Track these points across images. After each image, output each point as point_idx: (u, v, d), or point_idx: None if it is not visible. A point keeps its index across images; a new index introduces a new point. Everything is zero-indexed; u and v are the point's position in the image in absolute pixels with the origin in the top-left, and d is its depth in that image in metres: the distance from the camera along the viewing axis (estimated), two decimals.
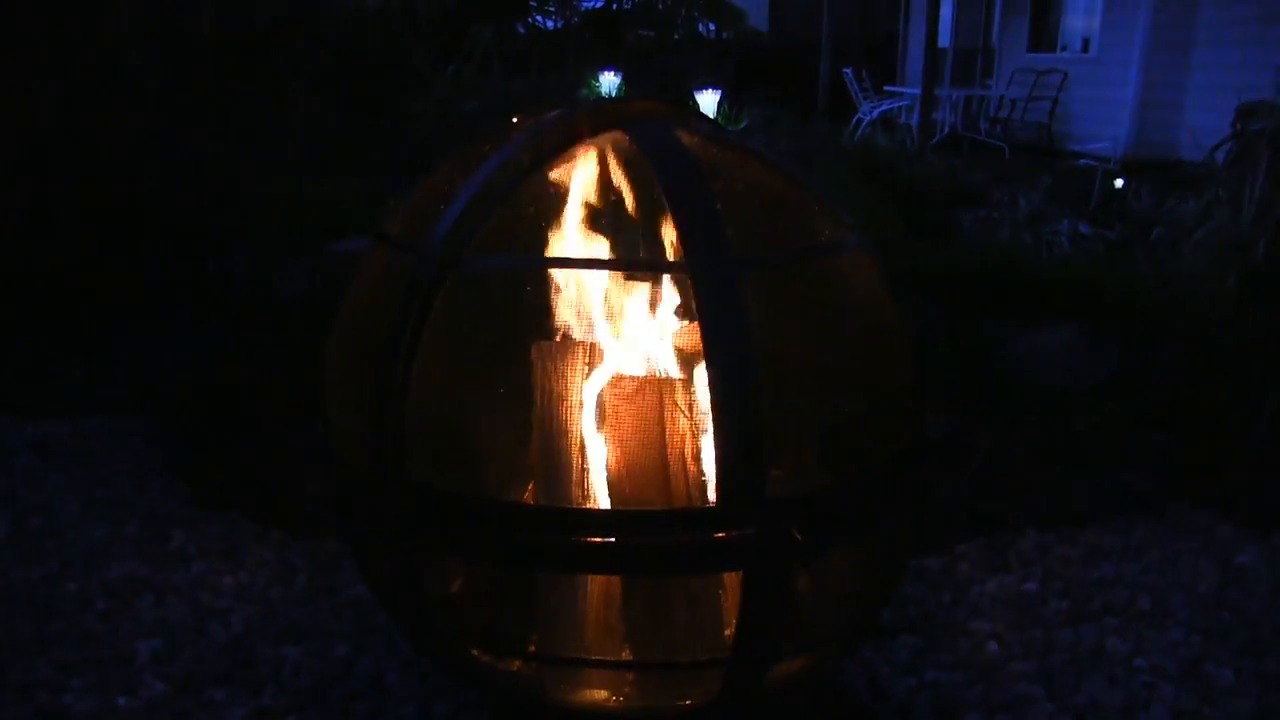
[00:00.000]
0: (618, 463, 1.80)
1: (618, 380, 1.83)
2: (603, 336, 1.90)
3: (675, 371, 1.88)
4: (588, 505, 1.82)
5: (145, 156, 4.63)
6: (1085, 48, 13.89)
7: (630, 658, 1.87)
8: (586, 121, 1.91)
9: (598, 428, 1.83)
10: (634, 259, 1.90)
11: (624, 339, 1.90)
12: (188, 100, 4.91)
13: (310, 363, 2.09)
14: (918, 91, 11.81)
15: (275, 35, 5.83)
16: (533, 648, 1.88)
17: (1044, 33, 14.83)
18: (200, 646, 2.49)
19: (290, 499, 3.03)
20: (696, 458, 1.80)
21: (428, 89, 7.36)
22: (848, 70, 14.01)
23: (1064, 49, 14.41)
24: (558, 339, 1.88)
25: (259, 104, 5.52)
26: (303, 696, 2.31)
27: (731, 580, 1.81)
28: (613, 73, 12.72)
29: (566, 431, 1.81)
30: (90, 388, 4.01)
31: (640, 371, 1.88)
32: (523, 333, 1.89)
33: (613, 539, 1.68)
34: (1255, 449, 3.26)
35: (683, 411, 1.79)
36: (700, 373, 1.76)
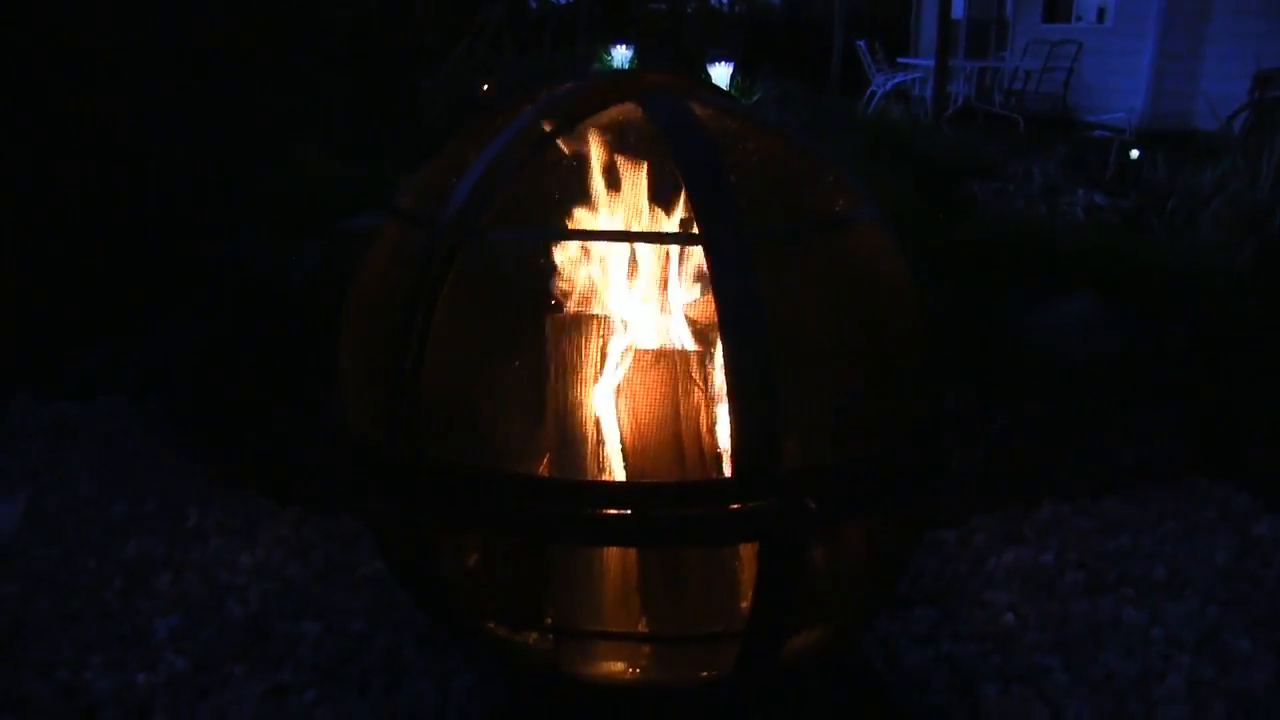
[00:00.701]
0: (633, 435, 1.80)
1: (633, 353, 1.83)
2: (617, 309, 1.89)
3: (690, 344, 1.87)
4: (603, 478, 1.82)
5: (154, 138, 4.63)
6: (1100, 18, 13.80)
7: (646, 631, 1.87)
8: (599, 94, 1.91)
9: (613, 400, 1.83)
10: (647, 231, 1.90)
11: (638, 312, 1.90)
12: (197, 81, 4.91)
13: (324, 340, 2.09)
14: (931, 63, 11.72)
15: (284, 13, 5.81)
16: (549, 621, 1.88)
17: (1058, 3, 14.73)
18: (218, 623, 2.50)
19: (306, 476, 3.03)
20: (712, 430, 1.80)
21: (439, 66, 7.33)
22: (861, 42, 13.92)
23: (1079, 19, 14.32)
24: (572, 312, 1.88)
25: (267, 83, 5.51)
26: (321, 672, 2.32)
27: (747, 552, 1.81)
28: (625, 47, 12.69)
29: (581, 404, 1.81)
30: (106, 368, 4.02)
31: (655, 344, 1.87)
32: (537, 306, 1.89)
33: (628, 511, 1.68)
34: (1272, 419, 3.25)
35: (698, 384, 1.79)
36: (715, 345, 1.76)
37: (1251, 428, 3.27)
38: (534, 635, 1.93)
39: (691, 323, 1.89)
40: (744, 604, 1.79)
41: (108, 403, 3.80)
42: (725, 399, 1.60)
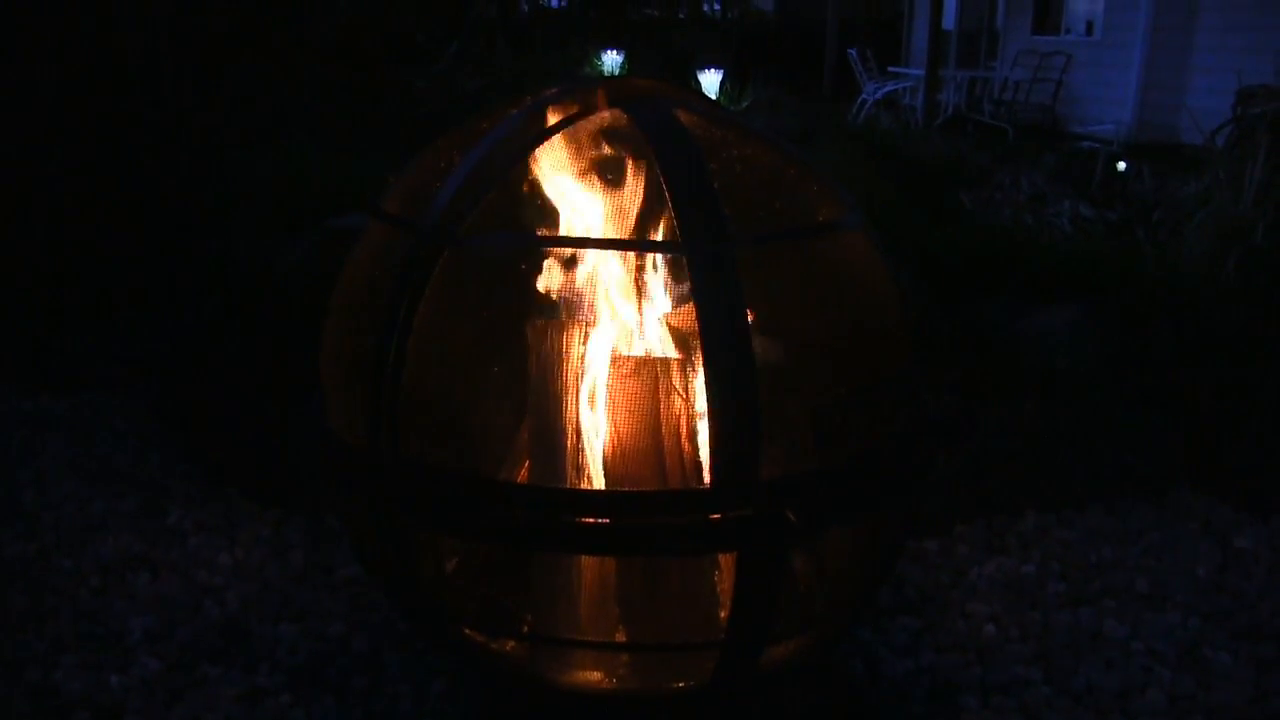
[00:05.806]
0: (613, 443, 1.79)
1: (614, 360, 1.82)
2: (599, 316, 1.88)
3: (671, 351, 1.86)
4: (582, 485, 1.81)
5: (148, 133, 4.61)
6: (1089, 30, 13.84)
7: (624, 639, 1.86)
8: (586, 99, 1.90)
9: (593, 407, 1.82)
10: (630, 238, 1.89)
11: (620, 318, 1.89)
12: (194, 78, 4.89)
13: (308, 339, 2.08)
14: (922, 73, 11.78)
15: (278, 10, 5.80)
16: (526, 628, 1.87)
17: (1048, 15, 14.76)
18: (195, 624, 2.48)
19: (287, 476, 3.02)
20: (692, 438, 1.79)
21: (431, 66, 7.33)
22: (852, 51, 13.94)
23: (1068, 31, 14.35)
24: (553, 318, 1.87)
25: (262, 80, 5.50)
26: (298, 674, 2.30)
27: (727, 561, 1.80)
28: (616, 51, 12.71)
29: (562, 411, 1.80)
30: (89, 362, 4.00)
31: (636, 351, 1.86)
32: (519, 311, 1.88)
33: (607, 520, 1.67)
34: (1255, 431, 3.25)
35: (678, 392, 1.78)
36: (696, 353, 1.75)
37: (1234, 437, 3.27)
38: (511, 642, 1.92)
39: (673, 330, 1.88)
40: (723, 613, 1.78)
41: (90, 396, 3.78)
42: (705, 408, 1.59)
